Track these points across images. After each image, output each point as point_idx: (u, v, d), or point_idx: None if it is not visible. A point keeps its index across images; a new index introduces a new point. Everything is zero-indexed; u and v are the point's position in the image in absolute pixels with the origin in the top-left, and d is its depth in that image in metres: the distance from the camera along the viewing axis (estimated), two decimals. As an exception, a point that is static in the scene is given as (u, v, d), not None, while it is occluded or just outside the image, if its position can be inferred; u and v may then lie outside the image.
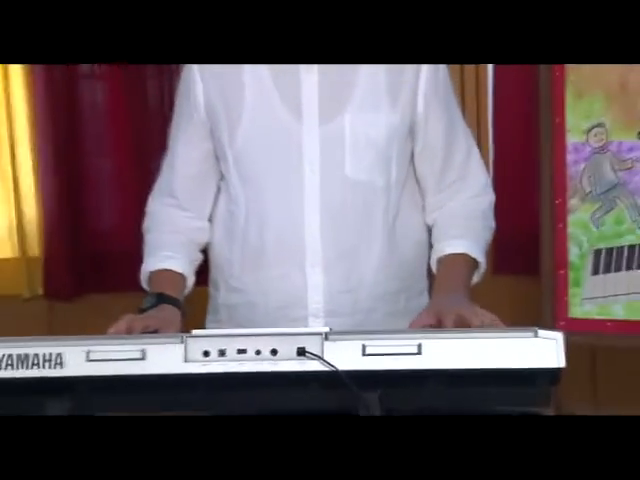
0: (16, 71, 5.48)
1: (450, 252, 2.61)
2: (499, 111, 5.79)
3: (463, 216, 2.67)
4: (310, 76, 2.58)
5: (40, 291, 5.55)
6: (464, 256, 2.61)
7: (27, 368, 2.19)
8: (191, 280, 2.66)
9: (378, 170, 2.59)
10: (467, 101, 5.67)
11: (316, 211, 2.57)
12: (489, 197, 2.75)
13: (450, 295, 2.47)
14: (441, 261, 2.62)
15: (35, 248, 5.57)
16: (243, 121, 2.60)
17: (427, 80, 2.63)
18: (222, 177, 2.68)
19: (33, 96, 5.49)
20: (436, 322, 2.36)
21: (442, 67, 2.69)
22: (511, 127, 5.68)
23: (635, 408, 5.46)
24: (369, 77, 2.60)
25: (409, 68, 2.61)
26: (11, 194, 5.53)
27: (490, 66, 5.79)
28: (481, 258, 2.64)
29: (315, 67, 2.57)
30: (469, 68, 5.77)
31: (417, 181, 2.70)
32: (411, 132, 2.64)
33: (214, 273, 2.72)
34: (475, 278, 2.64)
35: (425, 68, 2.63)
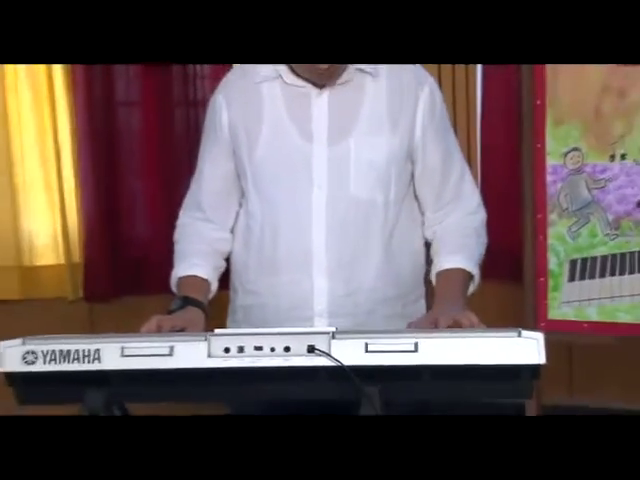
0: (61, 99, 5.48)
1: (448, 267, 2.61)
2: (486, 136, 5.79)
3: (459, 233, 2.66)
4: (320, 104, 2.58)
5: (81, 294, 5.56)
6: (461, 270, 2.60)
7: (69, 362, 2.19)
8: (215, 285, 2.66)
9: (378, 189, 2.58)
10: (459, 128, 5.66)
11: (322, 225, 2.56)
12: (481, 215, 2.73)
13: (449, 307, 2.46)
14: (440, 275, 2.61)
15: (77, 256, 5.57)
16: (261, 143, 2.59)
17: (424, 109, 2.62)
18: (243, 194, 2.66)
19: (76, 121, 5.49)
20: (432, 326, 2.36)
21: (438, 97, 2.68)
22: (497, 150, 5.69)
23: (606, 398, 5.48)
24: (372, 105, 2.59)
25: (408, 98, 2.61)
26: (57, 208, 5.53)
27: (479, 96, 5.79)
28: (475, 271, 2.64)
29: (325, 96, 2.56)
30: (461, 99, 5.77)
31: (417, 199, 2.69)
32: (409, 156, 2.63)
33: (233, 278, 2.71)
34: (471, 289, 2.63)
35: (422, 98, 2.62)
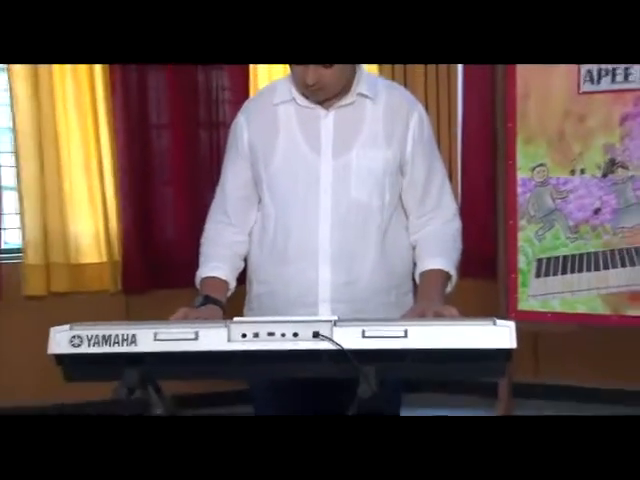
0: (103, 121, 5.48)
1: (430, 268, 2.60)
2: (466, 153, 5.78)
3: (439, 239, 2.66)
4: (327, 122, 2.59)
5: (120, 287, 5.56)
6: (440, 271, 2.60)
7: (109, 345, 2.19)
8: (233, 284, 2.65)
9: (375, 194, 2.59)
10: (442, 146, 5.64)
11: (327, 224, 2.57)
12: (457, 223, 2.73)
13: (430, 301, 2.47)
14: (423, 275, 2.61)
15: (116, 255, 5.57)
16: (276, 155, 2.60)
17: (414, 131, 2.63)
18: (260, 200, 2.66)
19: (116, 140, 5.50)
20: (433, 315, 2.37)
21: (426, 122, 2.69)
22: (475, 165, 5.68)
23: (566, 377, 5.48)
24: (371, 125, 2.60)
25: (401, 121, 2.62)
26: (99, 214, 5.54)
27: (460, 120, 5.78)
28: (453, 272, 2.63)
29: (331, 116, 2.58)
30: (444, 122, 5.76)
31: (403, 207, 2.68)
32: (400, 168, 2.63)
33: (249, 273, 2.72)
34: (448, 288, 2.63)
35: (413, 122, 2.63)
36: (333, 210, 2.57)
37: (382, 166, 2.59)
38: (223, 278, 2.62)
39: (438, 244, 2.64)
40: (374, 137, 2.60)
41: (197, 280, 2.65)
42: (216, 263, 2.63)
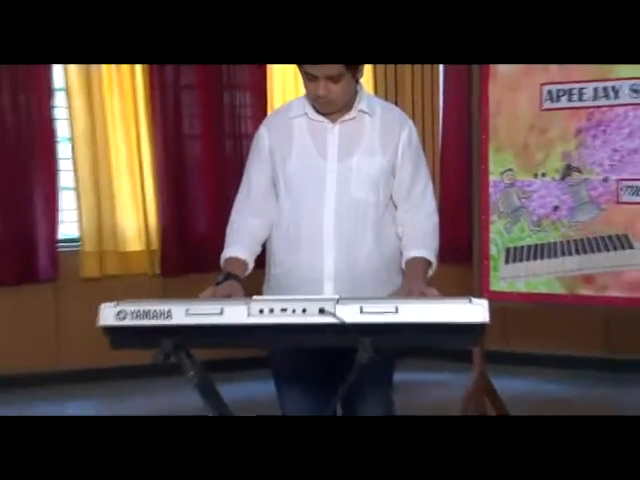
0: (144, 131, 5.48)
1: (414, 256, 2.61)
2: (445, 160, 5.78)
3: (421, 232, 2.65)
4: (333, 133, 2.60)
5: (158, 271, 5.57)
6: (423, 259, 2.60)
7: (149, 319, 2.19)
8: (251, 265, 2.64)
9: (371, 193, 2.59)
10: (427, 154, 5.63)
11: (331, 217, 2.57)
12: (436, 218, 2.72)
13: (415, 284, 2.47)
14: (408, 262, 2.61)
15: (155, 244, 5.60)
16: (291, 159, 2.61)
17: (404, 142, 2.64)
18: (277, 197, 2.67)
19: (155, 146, 5.52)
20: (416, 292, 2.39)
21: (414, 135, 2.69)
22: (453, 170, 5.68)
23: (530, 346, 5.47)
24: (369, 136, 2.61)
25: (393, 134, 2.62)
26: (141, 210, 5.56)
27: (440, 133, 5.78)
28: (433, 260, 2.63)
29: (337, 128, 2.59)
30: (428, 134, 5.75)
31: (393, 203, 2.68)
32: (392, 171, 2.64)
33: (268, 257, 2.72)
34: (430, 272, 2.63)
35: (403, 135, 2.63)
36: (336, 206, 2.57)
37: (377, 170, 2.59)
38: (243, 259, 2.61)
39: (421, 236, 2.64)
40: (372, 146, 2.60)
41: (222, 259, 2.65)
42: (238, 246, 2.63)
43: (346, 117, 2.59)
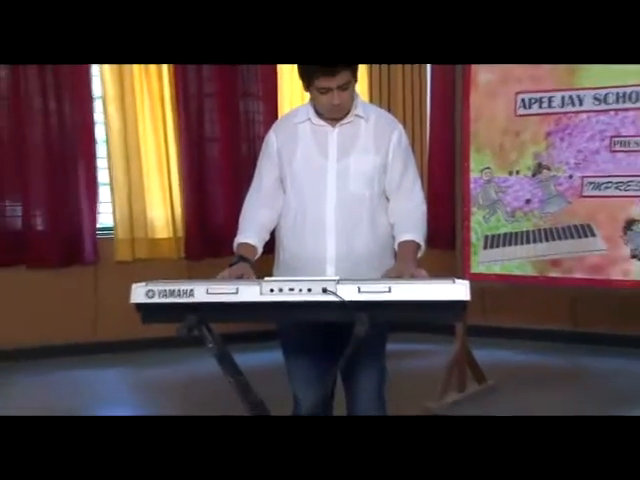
0: (171, 135, 5.48)
1: (405, 239, 2.58)
2: (433, 159, 5.77)
3: (411, 218, 2.63)
4: (333, 136, 2.58)
5: (183, 255, 5.58)
6: (413, 242, 2.57)
7: (174, 297, 2.19)
8: (260, 250, 2.63)
9: (366, 187, 2.58)
10: (416, 154, 5.61)
11: (332, 208, 2.55)
12: (424, 207, 2.69)
13: (406, 264, 2.46)
14: (400, 245, 2.59)
15: (180, 232, 5.60)
16: (296, 159, 2.60)
17: (394, 144, 2.62)
18: (284, 191, 2.65)
19: (181, 148, 5.51)
20: (398, 276, 2.36)
21: (404, 137, 2.67)
22: (440, 167, 5.67)
23: (505, 321, 5.47)
24: (364, 138, 2.59)
25: (385, 136, 2.61)
26: (168, 202, 5.56)
27: (428, 136, 5.76)
28: (422, 243, 2.61)
29: (336, 131, 2.58)
30: (417, 137, 5.74)
31: (385, 196, 2.66)
32: (384, 169, 2.62)
33: (277, 244, 2.71)
34: (419, 254, 2.60)
35: (394, 138, 2.61)
36: (336, 199, 2.55)
37: (371, 168, 2.58)
38: (253, 244, 2.60)
39: (411, 223, 2.62)
40: (366, 147, 2.59)
41: (235, 244, 2.63)
42: (249, 234, 2.62)
43: (344, 121, 2.57)
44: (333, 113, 2.55)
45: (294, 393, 2.67)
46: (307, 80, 2.49)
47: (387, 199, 2.65)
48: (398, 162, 2.62)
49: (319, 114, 2.58)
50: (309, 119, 2.60)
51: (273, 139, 2.66)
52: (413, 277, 2.35)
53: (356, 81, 2.52)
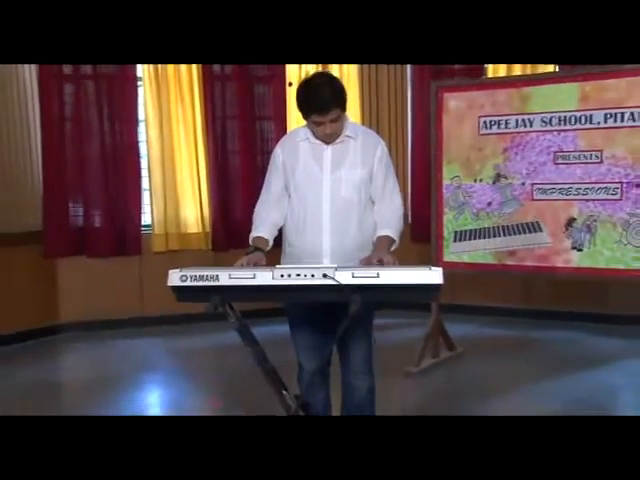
0: (202, 148, 5.45)
1: (380, 235, 2.57)
2: (414, 170, 5.74)
3: (389, 218, 2.60)
4: (327, 152, 2.55)
5: (210, 247, 5.55)
6: (387, 236, 2.56)
7: (202, 281, 2.18)
8: (271, 243, 2.60)
9: (355, 194, 2.54)
10: (399, 165, 5.60)
11: (327, 211, 2.52)
12: (401, 211, 2.66)
13: (382, 253, 2.43)
14: (377, 238, 2.57)
15: (208, 227, 5.56)
16: (298, 171, 2.57)
17: (378, 158, 2.58)
18: (289, 197, 2.62)
19: (209, 160, 5.48)
20: (378, 261, 2.35)
21: (385, 152, 2.63)
22: (419, 177, 5.64)
23: (471, 301, 5.45)
24: (353, 154, 2.56)
25: (370, 152, 2.57)
26: (198, 202, 5.54)
27: (410, 150, 5.73)
28: (396, 238, 2.58)
29: (330, 149, 2.55)
30: (400, 151, 5.71)
31: (371, 200, 2.62)
32: (370, 178, 2.58)
33: (283, 239, 2.67)
34: (394, 247, 2.57)
35: (377, 153, 2.58)
36: (331, 203, 2.52)
37: (359, 178, 2.54)
38: (266, 238, 2.58)
39: (388, 221, 2.59)
40: (354, 162, 2.55)
41: (250, 237, 2.60)
42: (262, 229, 2.59)
43: (336, 141, 2.54)
44: (326, 139, 2.53)
45: (298, 359, 2.66)
46: (305, 115, 2.49)
47: (373, 203, 2.62)
48: (381, 173, 2.59)
49: (315, 135, 2.55)
50: (307, 139, 2.57)
51: (279, 154, 2.62)
52: (381, 262, 2.33)
53: (345, 112, 2.50)
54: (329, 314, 2.47)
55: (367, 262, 2.39)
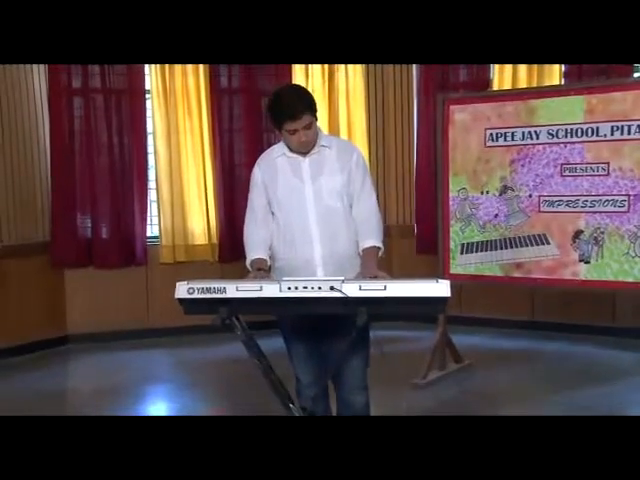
0: (209, 164, 5.46)
1: (366, 246, 2.55)
2: (419, 181, 5.72)
3: (370, 224, 2.58)
4: (305, 164, 2.55)
5: (217, 259, 5.52)
6: (373, 247, 2.54)
7: (210, 293, 2.18)
8: (268, 261, 2.59)
9: (338, 201, 2.54)
10: (404, 178, 5.58)
11: (314, 221, 2.51)
12: (379, 214, 2.64)
13: (373, 266, 2.44)
14: (363, 251, 2.55)
15: (215, 239, 5.54)
16: (279, 186, 2.57)
17: (354, 161, 2.58)
18: (272, 213, 2.62)
19: (215, 174, 5.48)
20: (371, 279, 2.33)
21: (361, 158, 2.62)
22: (425, 189, 5.62)
23: (478, 312, 5.41)
24: (330, 163, 2.55)
25: (346, 159, 2.57)
26: (205, 215, 5.53)
27: (415, 162, 5.71)
28: (381, 245, 2.57)
29: (307, 160, 2.55)
30: (406, 163, 5.70)
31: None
32: (349, 184, 2.57)
33: (272, 254, 2.63)
34: (380, 254, 2.57)
35: (353, 159, 2.57)
36: (316, 211, 2.52)
37: (340, 185, 2.54)
38: (264, 258, 2.57)
39: (370, 228, 2.57)
40: (333, 169, 2.55)
41: (248, 260, 2.59)
42: (258, 250, 2.58)
43: (312, 152, 2.55)
44: (302, 148, 2.52)
45: (295, 373, 2.62)
46: (278, 125, 2.48)
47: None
48: (358, 177, 2.58)
49: (291, 149, 2.56)
50: (284, 154, 2.57)
51: (258, 174, 2.62)
52: (376, 277, 2.32)
53: (317, 120, 2.51)
54: (323, 325, 2.46)
55: (365, 276, 2.37)
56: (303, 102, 2.45)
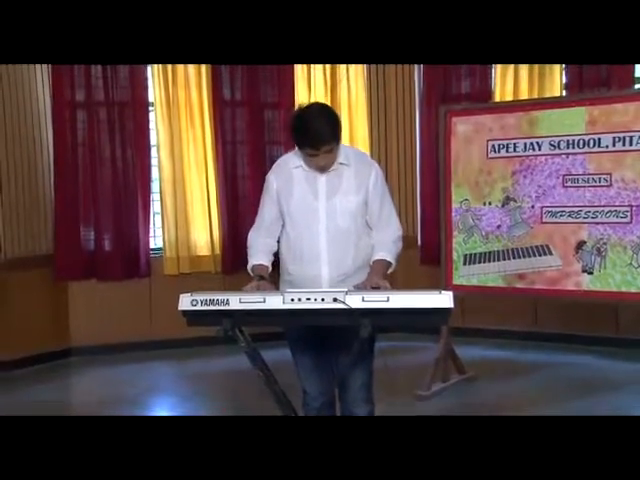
0: (212, 176, 5.47)
1: (377, 258, 2.53)
2: (423, 193, 5.73)
3: (386, 243, 2.56)
4: (322, 180, 2.52)
5: (220, 270, 5.52)
6: (384, 260, 2.52)
7: (213, 305, 2.18)
8: (270, 268, 2.58)
9: (351, 221, 2.52)
10: (407, 189, 5.59)
11: (324, 239, 2.49)
12: (399, 233, 2.62)
13: (377, 276, 2.43)
14: (373, 262, 2.53)
15: (217, 250, 5.54)
16: (293, 199, 2.54)
17: (372, 182, 2.55)
18: (283, 224, 2.60)
19: (219, 185, 5.49)
20: (372, 286, 2.34)
21: (380, 176, 2.59)
22: (429, 200, 5.62)
23: (481, 323, 5.39)
24: (347, 181, 2.53)
25: (364, 177, 2.54)
26: (208, 226, 5.53)
27: (418, 174, 5.72)
28: (393, 261, 2.55)
29: (324, 177, 2.51)
30: (409, 175, 5.70)
31: (367, 225, 2.59)
32: (365, 204, 2.55)
33: (280, 266, 2.64)
34: (390, 269, 2.55)
35: (371, 177, 2.54)
36: (327, 232, 2.49)
37: (354, 205, 2.51)
38: (266, 265, 2.56)
39: (385, 245, 2.55)
40: (349, 188, 2.52)
41: (249, 265, 2.59)
42: (261, 256, 2.57)
43: (330, 169, 2.51)
44: (319, 170, 2.50)
45: (301, 385, 2.61)
46: (298, 146, 2.46)
47: (370, 228, 2.58)
48: (376, 198, 2.55)
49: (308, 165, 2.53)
50: (301, 166, 2.53)
51: (272, 182, 2.60)
52: (376, 287, 2.32)
53: (339, 144, 2.47)
54: (329, 336, 2.45)
55: (362, 287, 2.36)
56: (328, 131, 2.39)
